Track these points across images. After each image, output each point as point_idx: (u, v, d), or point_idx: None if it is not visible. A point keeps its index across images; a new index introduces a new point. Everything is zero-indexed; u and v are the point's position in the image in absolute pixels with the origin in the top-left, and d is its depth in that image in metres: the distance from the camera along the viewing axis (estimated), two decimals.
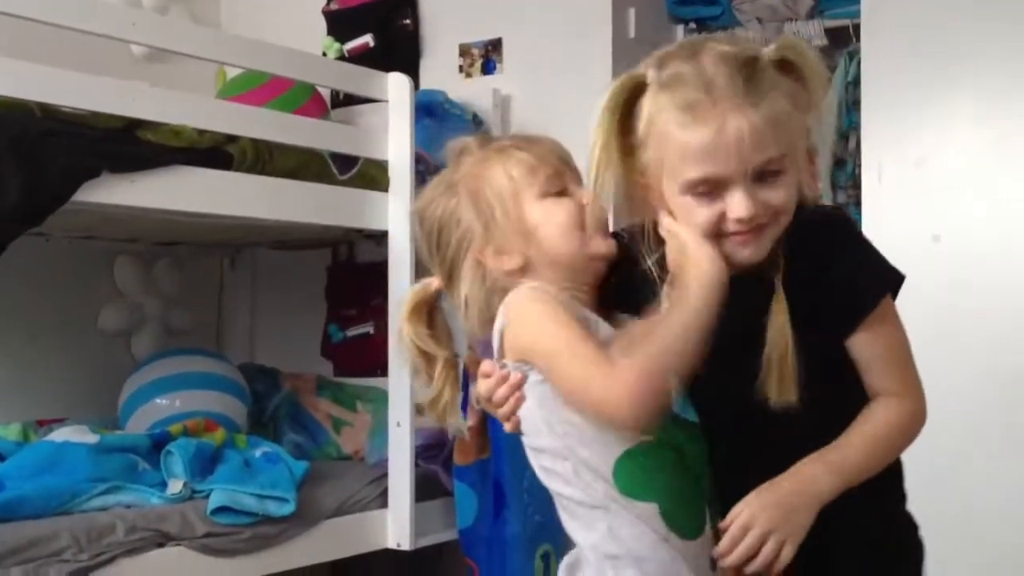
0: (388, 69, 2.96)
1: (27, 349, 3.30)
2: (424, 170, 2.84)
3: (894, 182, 2.73)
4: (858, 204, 2.91)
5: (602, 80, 3.21)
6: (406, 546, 2.80)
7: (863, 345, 1.31)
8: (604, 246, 1.37)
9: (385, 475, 2.84)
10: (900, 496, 1.42)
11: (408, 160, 2.83)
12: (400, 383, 2.77)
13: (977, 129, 2.67)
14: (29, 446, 2.65)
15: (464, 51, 3.45)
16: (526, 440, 1.35)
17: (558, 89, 3.21)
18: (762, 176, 1.22)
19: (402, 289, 2.79)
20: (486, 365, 1.36)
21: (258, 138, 2.62)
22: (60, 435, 2.62)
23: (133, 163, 2.33)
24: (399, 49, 3.56)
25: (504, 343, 1.33)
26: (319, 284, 3.77)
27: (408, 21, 3.58)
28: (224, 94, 3.28)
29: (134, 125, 2.40)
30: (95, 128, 2.34)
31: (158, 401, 3.04)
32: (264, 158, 2.64)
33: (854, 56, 3.13)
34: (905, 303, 2.64)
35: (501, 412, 1.34)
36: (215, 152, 2.54)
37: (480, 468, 2.78)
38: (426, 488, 2.87)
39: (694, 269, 1.23)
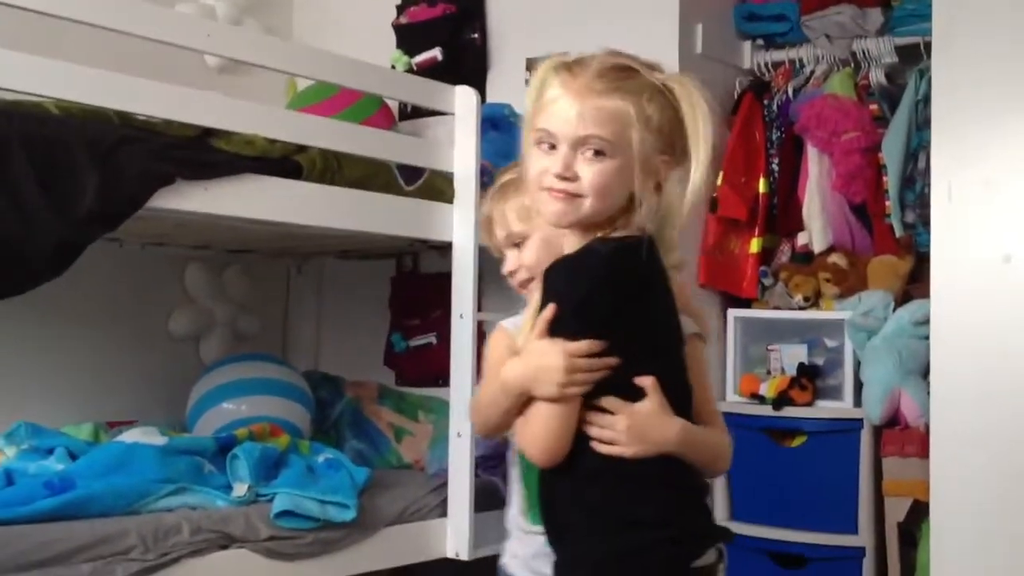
0: (455, 82, 2.98)
1: (99, 352, 3.38)
2: (488, 182, 2.85)
3: (964, 202, 2.69)
4: (927, 224, 2.87)
5: None
6: (464, 556, 2.81)
7: None
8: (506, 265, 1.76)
9: (445, 484, 2.86)
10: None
11: (473, 172, 2.85)
12: (462, 394, 2.79)
13: None
14: (100, 446, 2.71)
15: (531, 65, 3.46)
16: None
17: None
18: (584, 149, 1.45)
19: (466, 300, 2.82)
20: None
21: (327, 148, 2.66)
22: (130, 436, 2.69)
23: (207, 170, 2.38)
24: (467, 63, 3.59)
25: None
26: (383, 294, 3.81)
27: (476, 35, 3.61)
28: (295, 105, 3.33)
29: (207, 134, 2.45)
30: (170, 136, 2.40)
31: (225, 406, 3.10)
32: (332, 168, 2.67)
33: (924, 74, 3.09)
34: (975, 323, 2.62)
35: None
36: (285, 161, 2.58)
37: None
38: (485, 499, 2.87)
39: (538, 358, 1.46)
